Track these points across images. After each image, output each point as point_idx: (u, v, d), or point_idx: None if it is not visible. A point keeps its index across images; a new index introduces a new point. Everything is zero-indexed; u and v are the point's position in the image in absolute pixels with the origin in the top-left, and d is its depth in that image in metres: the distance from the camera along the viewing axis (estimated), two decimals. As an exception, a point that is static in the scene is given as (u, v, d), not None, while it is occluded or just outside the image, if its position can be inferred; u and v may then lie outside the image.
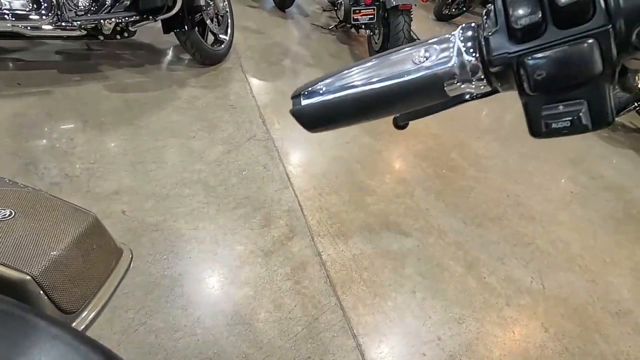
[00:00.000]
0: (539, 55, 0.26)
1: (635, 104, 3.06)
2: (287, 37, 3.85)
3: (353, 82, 0.35)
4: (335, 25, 4.16)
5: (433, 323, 1.54)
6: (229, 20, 3.02)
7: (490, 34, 0.29)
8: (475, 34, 0.31)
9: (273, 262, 1.63)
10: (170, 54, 3.02)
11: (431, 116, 0.40)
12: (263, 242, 1.70)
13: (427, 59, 0.32)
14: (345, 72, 0.36)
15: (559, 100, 0.27)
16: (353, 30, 3.98)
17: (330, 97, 0.36)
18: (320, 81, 0.37)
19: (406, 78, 0.33)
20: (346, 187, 2.11)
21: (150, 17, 2.40)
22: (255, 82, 2.86)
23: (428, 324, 1.54)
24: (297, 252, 1.70)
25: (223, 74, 2.87)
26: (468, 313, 1.60)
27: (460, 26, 0.32)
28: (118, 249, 0.74)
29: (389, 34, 3.11)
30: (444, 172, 2.39)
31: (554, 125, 0.28)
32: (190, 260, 1.56)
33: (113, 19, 2.28)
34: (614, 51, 0.25)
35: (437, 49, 0.32)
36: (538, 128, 0.29)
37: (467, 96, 0.34)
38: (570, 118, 0.27)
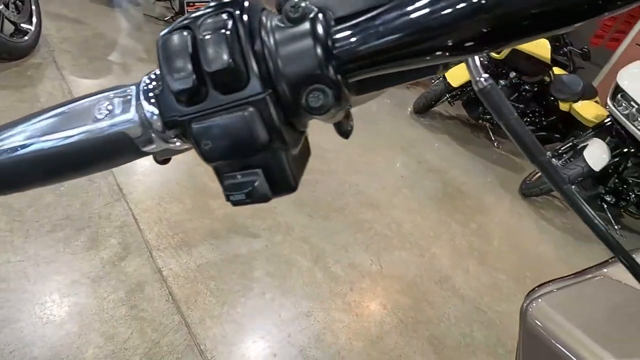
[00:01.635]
0: (203, 122, 0.23)
1: (447, 95, 3.59)
2: (114, 29, 3.44)
3: (28, 137, 0.27)
4: (172, 17, 3.88)
5: (283, 321, 1.56)
6: (32, 7, 2.54)
7: (159, 92, 0.25)
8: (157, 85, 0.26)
9: (103, 288, 1.44)
10: (-48, 45, 2.41)
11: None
12: (89, 268, 1.49)
13: (109, 113, 0.26)
14: (19, 125, 0.28)
15: (237, 169, 0.25)
16: (192, 22, 3.77)
17: (3, 156, 0.27)
18: None
19: (89, 136, 0.26)
20: (189, 193, 1.98)
21: None
22: (74, 81, 2.48)
23: (278, 322, 1.55)
24: (132, 272, 1.53)
25: (31, 71, 2.41)
26: (316, 305, 1.66)
27: (147, 73, 0.27)
28: None
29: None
30: (291, 168, 2.44)
31: (232, 198, 0.25)
32: (-14, 305, 1.27)
33: None
34: (278, 118, 0.23)
35: (119, 101, 0.26)
36: (226, 198, 0.26)
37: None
38: (246, 190, 0.24)
